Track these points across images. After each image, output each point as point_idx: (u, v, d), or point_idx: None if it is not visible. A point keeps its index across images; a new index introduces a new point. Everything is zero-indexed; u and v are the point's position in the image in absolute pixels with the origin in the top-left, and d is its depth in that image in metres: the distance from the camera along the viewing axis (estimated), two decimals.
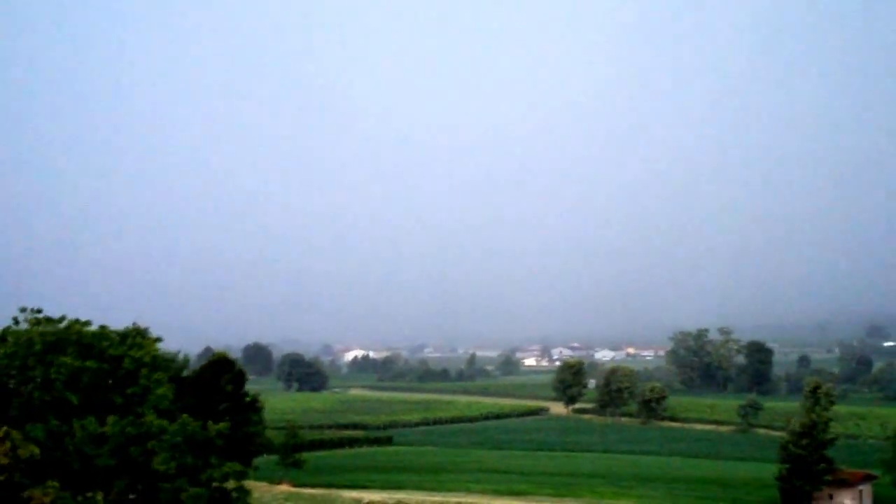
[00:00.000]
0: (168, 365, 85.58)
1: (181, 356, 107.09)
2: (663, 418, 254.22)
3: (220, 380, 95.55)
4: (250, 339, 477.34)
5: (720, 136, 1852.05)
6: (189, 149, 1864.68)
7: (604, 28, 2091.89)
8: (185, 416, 68.19)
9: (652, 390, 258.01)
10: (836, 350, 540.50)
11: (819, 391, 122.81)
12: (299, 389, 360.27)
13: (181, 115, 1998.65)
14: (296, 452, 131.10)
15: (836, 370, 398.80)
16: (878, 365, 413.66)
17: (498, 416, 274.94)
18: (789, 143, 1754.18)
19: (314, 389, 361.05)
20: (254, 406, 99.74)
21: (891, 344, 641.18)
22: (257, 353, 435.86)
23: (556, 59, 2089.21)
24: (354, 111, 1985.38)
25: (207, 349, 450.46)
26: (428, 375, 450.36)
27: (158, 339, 79.88)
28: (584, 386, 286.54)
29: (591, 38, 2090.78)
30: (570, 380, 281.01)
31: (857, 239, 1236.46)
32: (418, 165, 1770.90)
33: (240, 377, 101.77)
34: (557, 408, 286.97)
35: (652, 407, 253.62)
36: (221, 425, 69.85)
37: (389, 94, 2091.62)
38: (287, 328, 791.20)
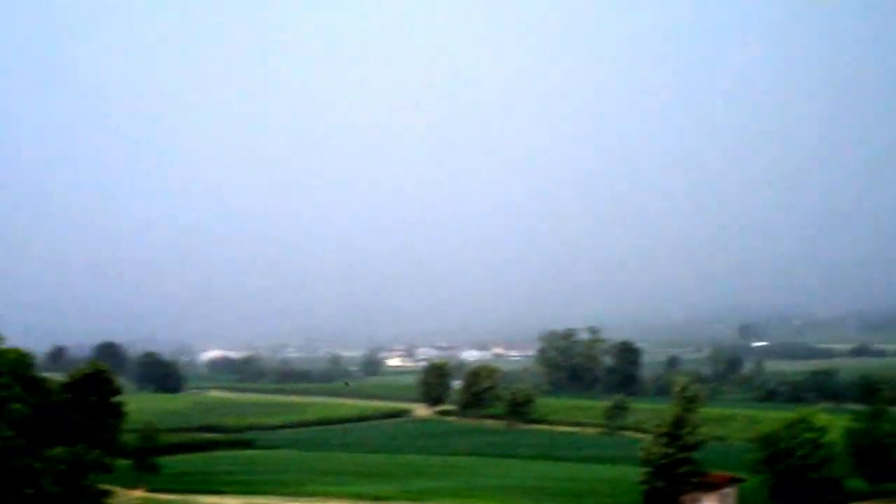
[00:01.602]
0: (25, 371, 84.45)
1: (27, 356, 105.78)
2: (530, 420, 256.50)
3: (90, 393, 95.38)
4: (103, 337, 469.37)
5: (589, 134, 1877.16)
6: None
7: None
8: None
9: (518, 392, 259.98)
10: (707, 350, 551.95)
11: (688, 392, 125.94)
12: (155, 391, 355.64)
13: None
14: (152, 456, 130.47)
15: (705, 370, 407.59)
16: (747, 365, 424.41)
17: (360, 419, 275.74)
18: (657, 141, 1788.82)
19: (171, 391, 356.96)
20: (118, 412, 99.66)
21: (761, 343, 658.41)
22: (110, 353, 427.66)
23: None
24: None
25: (56, 348, 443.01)
26: (289, 376, 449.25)
27: None
28: (449, 387, 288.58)
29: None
30: (434, 381, 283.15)
31: (727, 238, 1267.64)
32: (276, 160, 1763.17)
33: (112, 390, 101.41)
34: (421, 409, 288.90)
35: (518, 409, 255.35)
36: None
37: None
38: (142, 326, 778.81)
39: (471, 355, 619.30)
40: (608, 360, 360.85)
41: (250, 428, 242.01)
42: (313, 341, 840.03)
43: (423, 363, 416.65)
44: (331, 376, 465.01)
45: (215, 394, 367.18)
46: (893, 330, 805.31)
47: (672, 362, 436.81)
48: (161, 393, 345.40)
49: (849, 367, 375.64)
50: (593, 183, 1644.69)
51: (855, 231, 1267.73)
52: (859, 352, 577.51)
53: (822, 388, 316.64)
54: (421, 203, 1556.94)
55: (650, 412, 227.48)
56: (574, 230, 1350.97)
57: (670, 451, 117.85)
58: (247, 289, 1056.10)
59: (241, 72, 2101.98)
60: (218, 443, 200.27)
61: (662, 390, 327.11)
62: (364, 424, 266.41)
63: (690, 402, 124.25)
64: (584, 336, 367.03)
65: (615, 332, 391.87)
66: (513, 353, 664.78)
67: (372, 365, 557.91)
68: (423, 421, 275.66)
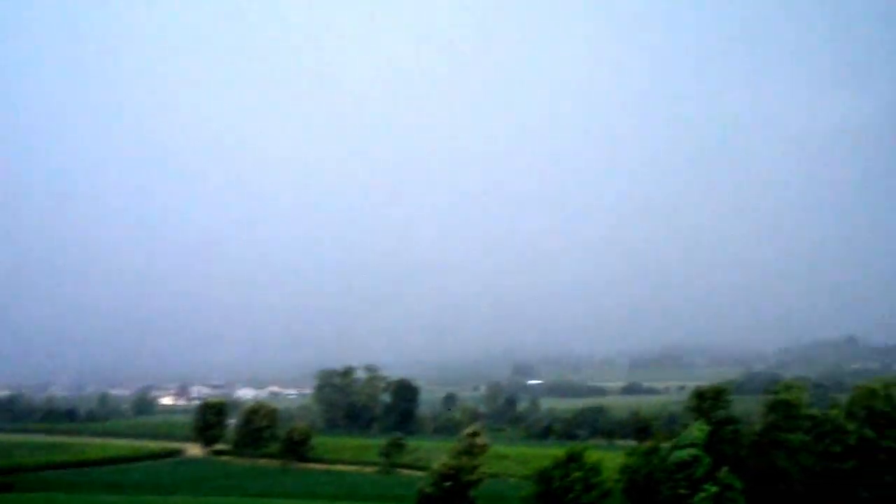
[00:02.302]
0: None
1: None
2: (307, 460, 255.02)
3: None
4: None
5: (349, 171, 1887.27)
6: None
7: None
8: None
9: (295, 430, 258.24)
10: (483, 388, 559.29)
11: (474, 435, 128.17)
12: None
13: None
14: None
15: (482, 408, 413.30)
16: (523, 403, 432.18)
17: (131, 459, 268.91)
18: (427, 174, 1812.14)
19: None
20: None
21: (536, 382, 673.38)
22: None
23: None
24: None
25: None
26: (54, 416, 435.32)
27: None
28: (225, 426, 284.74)
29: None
30: (209, 420, 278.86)
31: (500, 278, 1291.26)
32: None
33: None
34: (195, 449, 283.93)
35: (295, 448, 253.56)
36: None
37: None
38: None
39: (246, 393, 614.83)
40: (386, 399, 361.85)
41: (12, 470, 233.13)
42: (81, 379, 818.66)
43: (198, 402, 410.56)
44: (100, 415, 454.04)
45: None
46: (661, 368, 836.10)
47: (449, 400, 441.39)
48: None
49: (619, 405, 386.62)
50: (368, 221, 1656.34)
51: (624, 271, 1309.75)
52: (629, 389, 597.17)
53: (594, 425, 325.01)
54: (193, 238, 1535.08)
55: (428, 450, 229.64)
56: (350, 268, 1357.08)
57: (447, 491, 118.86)
58: (7, 325, 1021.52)
59: None
60: None
61: (441, 428, 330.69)
62: (135, 465, 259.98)
63: (474, 446, 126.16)
64: (362, 374, 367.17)
65: (393, 371, 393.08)
66: (289, 391, 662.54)
67: (143, 403, 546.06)
68: (198, 461, 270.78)
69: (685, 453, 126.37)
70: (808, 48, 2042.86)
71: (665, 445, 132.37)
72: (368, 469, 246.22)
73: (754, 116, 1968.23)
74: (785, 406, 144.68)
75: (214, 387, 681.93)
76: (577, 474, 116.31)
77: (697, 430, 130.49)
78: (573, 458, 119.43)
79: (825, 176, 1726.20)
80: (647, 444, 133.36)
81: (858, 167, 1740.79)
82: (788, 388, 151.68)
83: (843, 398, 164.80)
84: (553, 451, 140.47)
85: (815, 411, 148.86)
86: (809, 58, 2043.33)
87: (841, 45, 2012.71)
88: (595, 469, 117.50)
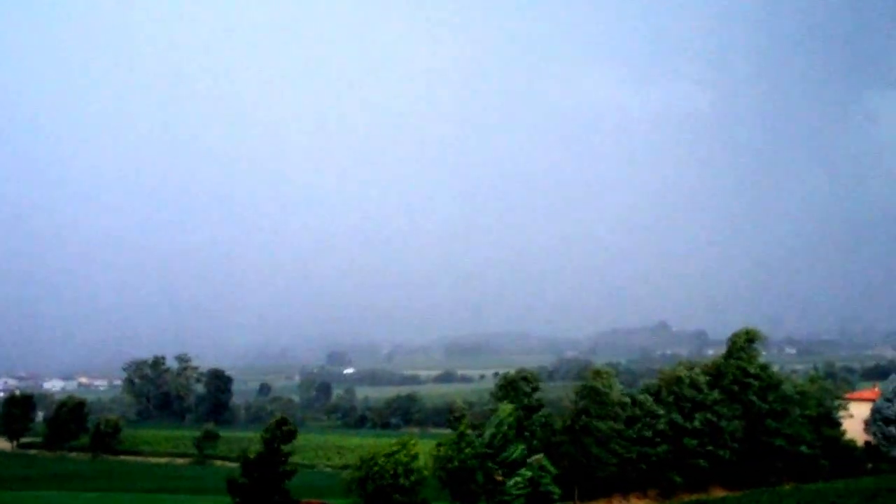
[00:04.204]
0: None
1: None
2: (118, 452, 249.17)
3: None
4: None
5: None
6: None
7: None
8: None
9: (104, 422, 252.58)
10: (297, 377, 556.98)
11: (285, 427, 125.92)
12: None
13: None
14: None
15: (296, 398, 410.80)
16: (337, 392, 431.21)
17: None
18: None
19: None
20: None
21: (350, 370, 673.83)
22: None
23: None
24: None
25: None
26: None
27: None
28: (32, 419, 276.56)
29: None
30: (15, 413, 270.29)
31: (313, 268, 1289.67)
32: None
33: None
34: (1, 443, 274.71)
35: (105, 440, 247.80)
36: None
37: None
38: None
39: (54, 385, 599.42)
40: (199, 389, 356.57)
41: None
42: None
43: (3, 394, 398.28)
44: None
45: None
46: (476, 355, 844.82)
47: (263, 390, 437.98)
48: None
49: (434, 393, 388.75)
50: (181, 206, 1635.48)
51: (437, 260, 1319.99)
52: (444, 378, 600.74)
53: (408, 413, 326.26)
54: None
55: (242, 440, 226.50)
56: (159, 257, 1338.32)
57: (259, 481, 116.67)
58: None
59: None
60: None
61: (254, 418, 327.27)
62: None
63: (283, 435, 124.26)
64: (174, 364, 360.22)
65: (205, 361, 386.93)
66: (99, 382, 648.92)
67: None
68: (4, 454, 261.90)
69: (491, 433, 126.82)
70: (625, 44, 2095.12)
71: (471, 432, 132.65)
72: (181, 460, 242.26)
73: (575, 108, 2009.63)
74: (595, 392, 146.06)
75: (21, 378, 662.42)
76: (400, 456, 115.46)
77: (504, 411, 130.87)
78: (400, 448, 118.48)
79: (639, 164, 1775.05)
80: (457, 431, 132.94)
81: (671, 158, 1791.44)
82: (598, 373, 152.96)
83: (653, 383, 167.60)
84: (368, 441, 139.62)
85: (625, 398, 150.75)
86: (626, 53, 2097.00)
87: (656, 39, 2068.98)
88: (414, 455, 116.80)
